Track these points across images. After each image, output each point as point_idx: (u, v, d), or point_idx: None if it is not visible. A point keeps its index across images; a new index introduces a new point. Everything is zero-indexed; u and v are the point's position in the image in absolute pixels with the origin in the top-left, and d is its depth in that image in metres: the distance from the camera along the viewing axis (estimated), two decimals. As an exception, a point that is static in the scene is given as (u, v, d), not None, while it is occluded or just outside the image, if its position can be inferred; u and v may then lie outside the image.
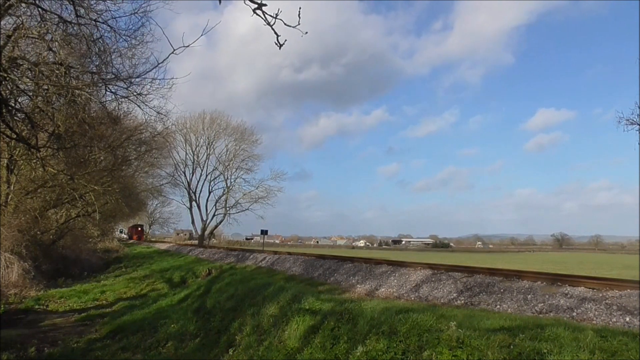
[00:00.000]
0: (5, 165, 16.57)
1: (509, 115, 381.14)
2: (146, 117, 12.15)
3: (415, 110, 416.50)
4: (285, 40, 3.78)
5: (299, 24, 3.61)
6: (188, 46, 5.33)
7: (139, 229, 73.09)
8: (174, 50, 5.41)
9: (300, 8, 3.59)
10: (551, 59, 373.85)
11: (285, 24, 3.60)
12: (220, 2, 3.38)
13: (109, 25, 9.49)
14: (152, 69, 8.50)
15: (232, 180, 55.27)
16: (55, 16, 8.80)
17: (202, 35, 5.11)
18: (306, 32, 3.70)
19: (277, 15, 3.55)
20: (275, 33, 3.69)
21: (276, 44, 3.76)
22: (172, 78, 10.15)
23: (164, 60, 6.78)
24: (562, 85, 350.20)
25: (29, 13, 8.62)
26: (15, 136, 8.93)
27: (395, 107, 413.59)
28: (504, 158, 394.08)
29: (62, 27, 8.93)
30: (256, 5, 3.50)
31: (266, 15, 3.56)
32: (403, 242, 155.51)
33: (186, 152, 55.16)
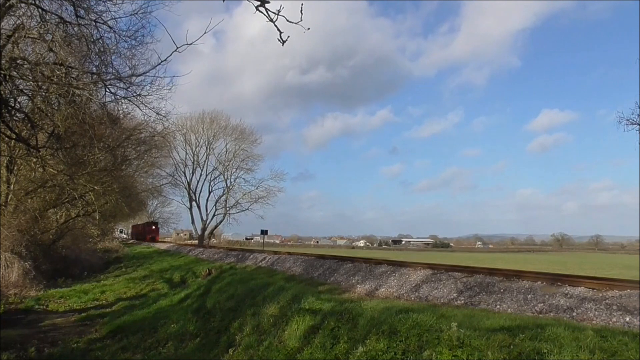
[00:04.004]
0: (5, 165, 16.57)
1: (513, 116, 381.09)
2: (145, 117, 12.17)
3: (420, 111, 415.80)
4: (288, 36, 3.80)
5: (301, 19, 3.63)
6: (191, 44, 5.34)
7: (153, 227, 61.25)
8: (177, 48, 5.41)
9: (302, 4, 3.60)
10: (556, 61, 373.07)
11: (287, 20, 3.61)
12: (224, 0, 3.39)
13: (109, 26, 9.52)
14: (155, 66, 8.51)
15: (232, 180, 55.36)
16: (56, 16, 8.81)
17: (204, 33, 5.12)
18: (308, 28, 3.72)
19: (279, 11, 3.57)
20: (278, 30, 3.70)
21: (279, 40, 3.78)
22: (173, 77, 10.19)
23: (167, 57, 6.78)
24: (566, 87, 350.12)
25: (29, 13, 8.62)
26: (15, 136, 8.93)
27: (401, 108, 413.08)
28: (506, 159, 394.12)
29: (62, 27, 8.94)
30: (259, 3, 3.51)
31: (269, 12, 3.57)
32: (403, 242, 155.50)
33: (186, 152, 55.24)
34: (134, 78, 9.76)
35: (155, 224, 62.99)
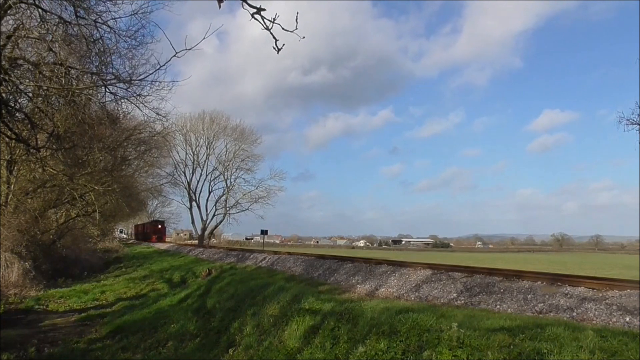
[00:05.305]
0: (5, 165, 16.58)
1: (514, 116, 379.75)
2: (145, 117, 12.19)
3: (421, 111, 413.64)
4: (284, 44, 3.79)
5: (296, 28, 3.62)
6: (190, 49, 5.34)
7: (159, 226, 58.27)
8: (176, 53, 5.41)
9: (297, 13, 3.60)
10: (558, 61, 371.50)
11: (283, 28, 3.60)
12: (220, 6, 3.36)
13: (108, 26, 9.52)
14: (154, 71, 8.49)
15: (232, 180, 55.39)
16: (56, 17, 8.82)
17: (203, 39, 5.13)
18: (303, 37, 3.71)
19: (274, 19, 3.55)
20: (274, 37, 3.69)
21: (274, 48, 3.77)
22: (173, 81, 10.22)
23: (166, 63, 6.78)
24: (567, 87, 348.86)
25: (29, 13, 8.63)
26: (15, 136, 8.93)
27: (402, 108, 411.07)
28: (506, 159, 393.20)
29: (62, 27, 8.95)
30: (255, 10, 3.50)
31: (265, 20, 3.55)
32: (403, 242, 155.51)
33: (186, 152, 55.25)
34: (134, 78, 9.75)
35: (162, 222, 60.41)
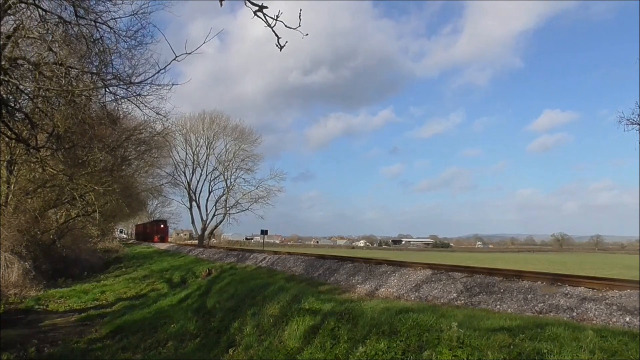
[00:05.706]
0: (5, 165, 16.57)
1: (514, 116, 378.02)
2: (145, 117, 12.21)
3: (422, 111, 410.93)
4: (286, 42, 3.78)
5: (299, 25, 3.61)
6: (190, 53, 5.33)
7: (162, 225, 56.70)
8: (176, 57, 5.39)
9: (300, 10, 3.59)
10: (559, 61, 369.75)
11: (285, 25, 3.59)
12: (221, 4, 3.36)
13: (108, 26, 9.54)
14: (153, 75, 8.49)
15: (232, 180, 55.44)
16: (55, 16, 8.83)
17: (204, 42, 5.11)
18: (307, 34, 3.69)
19: (277, 17, 3.54)
20: (276, 35, 3.68)
21: (277, 45, 3.77)
22: (173, 84, 10.22)
23: (166, 66, 6.77)
24: (568, 87, 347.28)
25: (29, 13, 8.64)
26: (15, 136, 8.94)
27: (403, 108, 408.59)
28: (507, 159, 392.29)
29: (62, 27, 8.96)
30: (257, 8, 3.50)
31: (267, 17, 3.54)
32: (403, 242, 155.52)
33: (186, 152, 55.29)
34: (134, 79, 9.78)
35: (164, 222, 58.82)
